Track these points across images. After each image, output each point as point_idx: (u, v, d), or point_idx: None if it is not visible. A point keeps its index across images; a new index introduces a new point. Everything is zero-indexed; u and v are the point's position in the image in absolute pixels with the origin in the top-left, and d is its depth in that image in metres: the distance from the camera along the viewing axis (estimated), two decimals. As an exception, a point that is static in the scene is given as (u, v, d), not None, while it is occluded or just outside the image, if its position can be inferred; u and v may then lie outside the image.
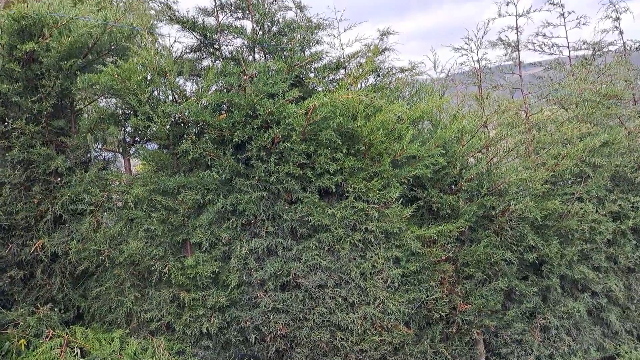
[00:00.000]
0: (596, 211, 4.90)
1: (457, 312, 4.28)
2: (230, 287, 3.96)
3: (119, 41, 4.35)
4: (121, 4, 5.35)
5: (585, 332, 4.90)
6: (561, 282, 4.80)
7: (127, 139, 4.31)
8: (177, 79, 4.09)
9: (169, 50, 4.28)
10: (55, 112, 4.22)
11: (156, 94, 4.04)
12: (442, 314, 4.21)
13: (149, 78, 3.97)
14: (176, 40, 4.33)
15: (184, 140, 3.95)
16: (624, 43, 5.93)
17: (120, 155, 4.41)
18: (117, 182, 4.26)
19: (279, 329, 3.98)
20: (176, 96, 4.03)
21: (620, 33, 6.10)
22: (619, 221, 5.12)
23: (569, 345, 4.76)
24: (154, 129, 3.97)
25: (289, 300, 3.98)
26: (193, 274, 3.94)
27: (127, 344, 3.94)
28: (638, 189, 5.35)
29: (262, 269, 3.99)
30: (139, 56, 3.99)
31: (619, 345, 5.07)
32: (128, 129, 4.33)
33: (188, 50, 4.36)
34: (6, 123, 4.09)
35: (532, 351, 4.59)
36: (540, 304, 4.74)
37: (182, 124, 4.08)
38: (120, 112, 4.28)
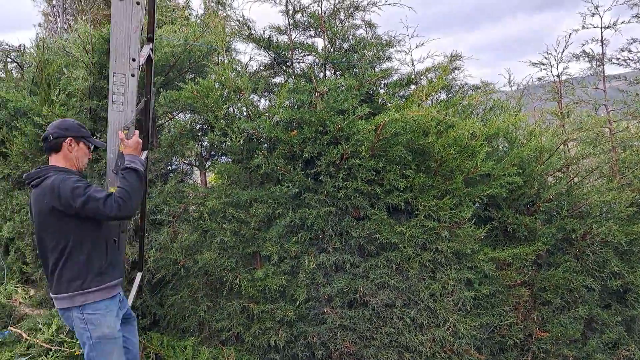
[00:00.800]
0: (690, 237, 4.50)
1: (533, 339, 4.06)
2: (298, 302, 3.99)
3: (197, 59, 4.56)
4: (199, 21, 5.60)
5: (677, 368, 4.49)
6: (649, 313, 4.45)
7: (204, 153, 4.49)
8: (252, 96, 4.22)
9: (245, 67, 4.43)
10: (139, 127, 4.46)
11: (232, 111, 4.19)
12: (517, 340, 4.02)
13: (225, 95, 4.12)
14: (251, 58, 4.47)
15: (256, 155, 4.05)
16: None
17: (196, 168, 4.60)
18: (194, 195, 4.43)
19: (346, 347, 3.96)
20: (250, 112, 4.16)
21: None
22: None
23: (658, 382, 4.39)
24: (229, 144, 4.10)
25: (356, 318, 3.95)
26: (262, 286, 4.01)
27: (199, 352, 4.07)
28: None
29: (329, 284, 4.00)
30: (216, 74, 4.16)
31: None
32: (205, 143, 4.51)
33: (262, 68, 4.49)
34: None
35: (616, 386, 4.27)
36: (624, 335, 4.41)
37: (255, 140, 4.19)
38: (198, 127, 4.47)
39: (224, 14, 4.93)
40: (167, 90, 4.25)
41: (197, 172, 4.73)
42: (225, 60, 4.29)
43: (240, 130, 4.00)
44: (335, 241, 4.01)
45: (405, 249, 3.93)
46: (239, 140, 4.02)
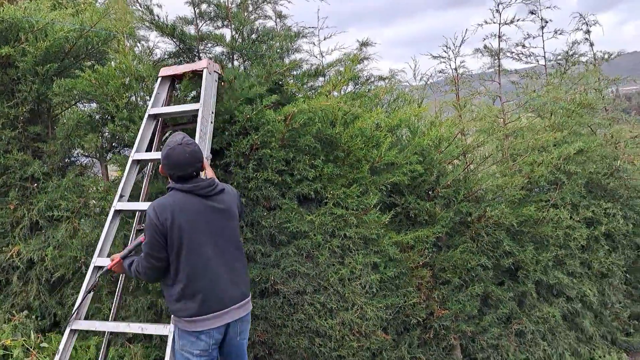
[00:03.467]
0: (570, 217, 5.00)
1: (435, 317, 4.32)
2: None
3: (96, 45, 4.33)
4: (99, 6, 5.32)
5: (560, 336, 4.98)
6: (536, 288, 4.88)
7: (105, 145, 4.29)
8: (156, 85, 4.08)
9: (149, 55, 4.27)
10: (32, 117, 4.18)
11: (134, 100, 4.03)
12: (420, 319, 4.25)
13: (127, 83, 3.95)
14: (155, 45, 4.32)
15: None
16: (594, 54, 6.09)
17: (97, 161, 4.39)
18: (94, 189, 4.22)
19: (258, 336, 3.98)
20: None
21: (591, 45, 6.27)
22: (592, 227, 5.24)
23: (544, 350, 4.84)
24: (132, 134, 3.95)
25: (268, 306, 3.98)
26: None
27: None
28: (610, 195, 5.48)
29: (240, 275, 3.99)
30: (117, 61, 3.98)
31: (594, 350, 5.16)
32: (106, 134, 4.30)
33: (167, 56, 4.35)
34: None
35: (508, 356, 4.65)
36: (516, 309, 4.82)
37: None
38: (98, 117, 4.25)
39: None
40: (62, 78, 4.00)
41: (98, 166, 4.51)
42: (127, 47, 4.11)
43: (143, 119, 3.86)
44: (246, 232, 4.01)
45: (315, 237, 4.01)
46: (142, 131, 3.87)
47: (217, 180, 2.98)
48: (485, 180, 4.59)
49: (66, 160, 4.33)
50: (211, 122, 3.70)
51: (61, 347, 3.22)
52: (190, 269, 2.69)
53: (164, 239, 2.65)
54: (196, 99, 4.00)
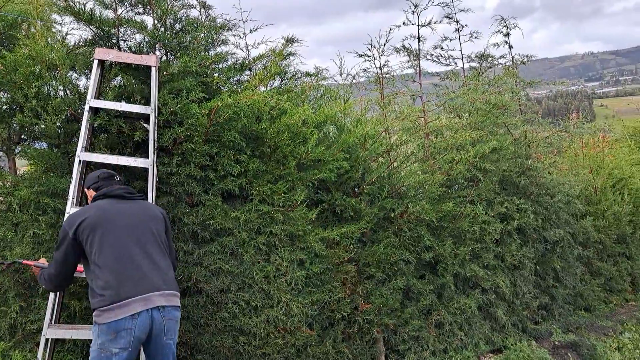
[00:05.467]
0: (486, 213, 5.27)
1: (359, 311, 4.41)
2: (126, 294, 3.78)
3: (3, 29, 4.00)
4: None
5: (476, 326, 5.25)
6: (454, 280, 5.10)
7: (12, 137, 3.98)
8: (70, 74, 3.85)
9: (62, 41, 4.01)
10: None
11: (46, 89, 3.77)
12: (344, 314, 4.32)
13: (37, 71, 3.69)
14: (68, 32, 4.05)
15: (76, 139, 3.71)
16: (512, 57, 6.46)
17: (4, 154, 4.06)
18: (0, 184, 3.91)
19: (179, 336, 3.85)
20: (68, 92, 3.78)
21: (510, 47, 6.65)
22: (506, 222, 5.55)
23: (461, 340, 5.08)
24: (43, 126, 3.70)
25: (190, 306, 3.87)
26: (85, 281, 3.71)
27: (11, 358, 3.65)
28: (522, 192, 5.84)
29: (161, 274, 3.85)
30: (27, 47, 3.70)
31: (506, 338, 5.47)
32: (14, 126, 3.99)
33: (82, 43, 4.10)
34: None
35: (428, 346, 4.83)
36: (436, 301, 5.01)
37: (74, 122, 3.83)
38: (5, 107, 3.94)
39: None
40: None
41: (5, 160, 4.18)
42: (38, 33, 3.83)
43: (56, 110, 3.62)
44: (167, 229, 3.87)
45: (240, 234, 3.96)
46: (54, 123, 3.64)
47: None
48: (408, 178, 4.73)
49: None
50: (154, 123, 3.68)
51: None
52: (108, 261, 2.73)
53: (72, 241, 2.81)
54: (123, 88, 3.91)
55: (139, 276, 2.74)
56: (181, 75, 3.90)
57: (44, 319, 3.38)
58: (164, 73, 3.88)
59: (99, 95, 3.72)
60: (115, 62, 3.78)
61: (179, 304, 2.91)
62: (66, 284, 3.08)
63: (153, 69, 3.69)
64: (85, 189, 3.20)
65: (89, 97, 3.59)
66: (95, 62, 3.68)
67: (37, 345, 3.77)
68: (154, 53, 4.08)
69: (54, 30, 4.37)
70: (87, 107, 3.57)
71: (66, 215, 3.33)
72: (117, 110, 3.70)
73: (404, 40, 5.89)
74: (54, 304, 3.42)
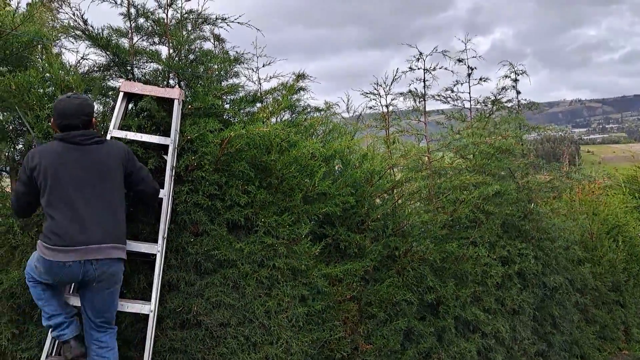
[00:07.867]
0: (488, 255, 5.24)
1: (359, 352, 4.30)
2: (123, 324, 3.67)
3: (17, 50, 4.01)
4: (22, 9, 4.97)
5: (475, 371, 5.14)
6: (455, 323, 5.03)
7: (17, 158, 3.94)
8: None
9: (76, 66, 4.03)
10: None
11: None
12: (344, 354, 4.21)
13: (51, 93, 3.68)
14: (84, 57, 4.07)
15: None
16: (518, 101, 6.60)
17: (6, 175, 4.02)
18: (1, 205, 3.84)
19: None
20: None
21: (517, 92, 6.80)
22: (507, 266, 5.53)
23: (461, 385, 4.96)
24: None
25: (188, 339, 3.76)
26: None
27: (-3, 388, 3.49)
28: (523, 236, 5.84)
29: (160, 304, 3.75)
30: (41, 69, 3.70)
31: (504, 384, 5.37)
32: (20, 146, 3.96)
33: (96, 68, 4.12)
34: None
35: (427, 390, 4.71)
36: (436, 344, 4.91)
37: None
38: (12, 127, 3.92)
39: (55, 5, 4.45)
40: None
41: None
42: (54, 55, 3.84)
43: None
44: (170, 258, 3.80)
45: (243, 266, 3.89)
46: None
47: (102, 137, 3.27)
48: (412, 216, 4.71)
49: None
50: (173, 154, 3.71)
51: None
52: (54, 211, 2.94)
53: (28, 180, 2.99)
54: (146, 119, 3.91)
55: (80, 228, 2.94)
56: (204, 111, 3.94)
57: (43, 349, 3.27)
58: (189, 107, 3.91)
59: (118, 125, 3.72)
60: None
61: (120, 256, 3.09)
62: (29, 213, 3.27)
63: (176, 102, 3.71)
64: (52, 118, 3.21)
65: (111, 127, 3.61)
66: (121, 94, 3.70)
67: None
68: (168, 82, 4.10)
69: (66, 54, 4.40)
70: (109, 137, 3.57)
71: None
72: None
73: (410, 85, 6.02)
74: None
